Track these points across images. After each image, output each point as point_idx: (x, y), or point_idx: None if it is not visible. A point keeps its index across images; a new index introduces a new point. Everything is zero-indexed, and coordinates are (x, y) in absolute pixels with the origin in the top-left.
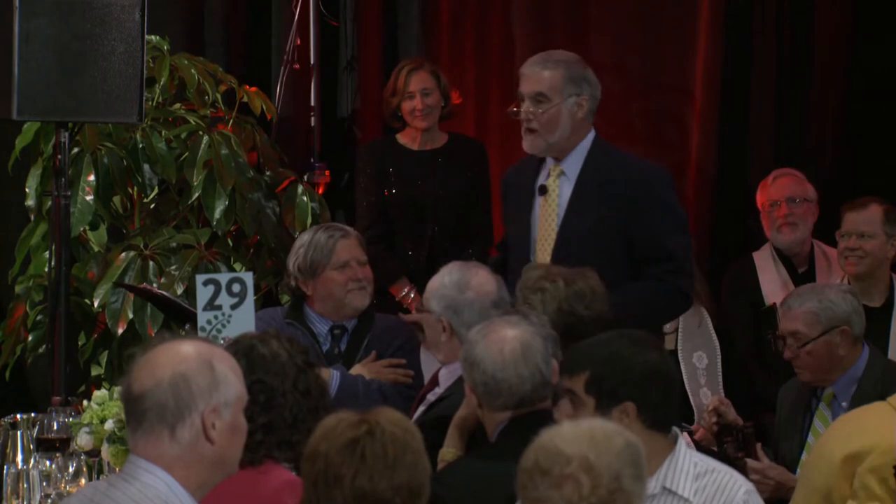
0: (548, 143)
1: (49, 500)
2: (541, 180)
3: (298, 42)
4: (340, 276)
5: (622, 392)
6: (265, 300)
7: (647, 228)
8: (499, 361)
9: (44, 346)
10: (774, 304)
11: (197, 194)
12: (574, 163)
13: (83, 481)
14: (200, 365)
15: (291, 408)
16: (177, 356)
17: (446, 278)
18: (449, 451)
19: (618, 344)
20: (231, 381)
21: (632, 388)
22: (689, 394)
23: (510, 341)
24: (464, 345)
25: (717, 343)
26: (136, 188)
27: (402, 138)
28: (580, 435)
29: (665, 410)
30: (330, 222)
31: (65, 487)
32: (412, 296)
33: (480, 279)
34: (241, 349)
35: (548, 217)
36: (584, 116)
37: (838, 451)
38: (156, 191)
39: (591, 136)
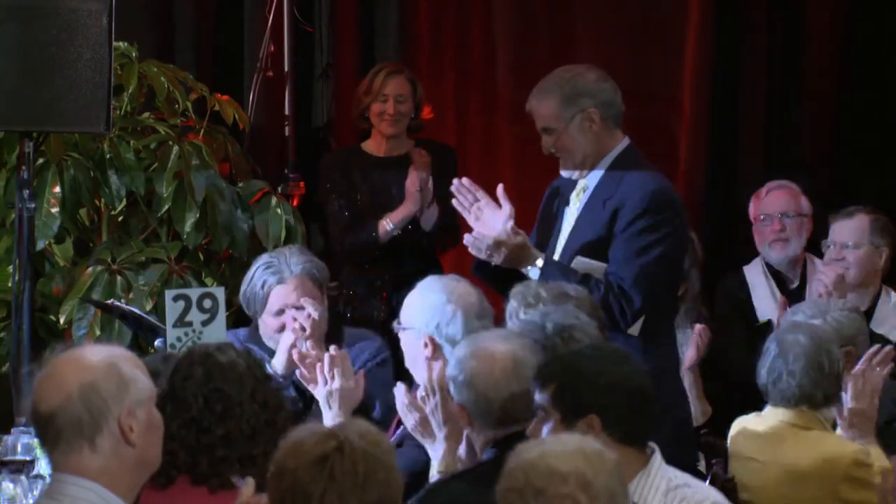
0: (574, 164)
1: None
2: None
3: (272, 49)
4: (275, 322)
5: (585, 405)
6: (237, 316)
7: (613, 249)
8: (491, 380)
9: (7, 365)
10: (770, 320)
11: (167, 206)
12: (596, 177)
13: None
14: (106, 370)
15: (249, 419)
16: (80, 366)
17: (426, 292)
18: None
19: (586, 357)
20: (139, 379)
21: (594, 401)
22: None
23: (501, 358)
24: (451, 362)
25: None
26: (103, 200)
27: (368, 146)
28: (571, 452)
29: (634, 424)
30: (281, 250)
31: None
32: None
33: (461, 290)
34: (198, 357)
35: (564, 231)
36: (599, 127)
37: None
38: (124, 203)
39: (620, 146)
